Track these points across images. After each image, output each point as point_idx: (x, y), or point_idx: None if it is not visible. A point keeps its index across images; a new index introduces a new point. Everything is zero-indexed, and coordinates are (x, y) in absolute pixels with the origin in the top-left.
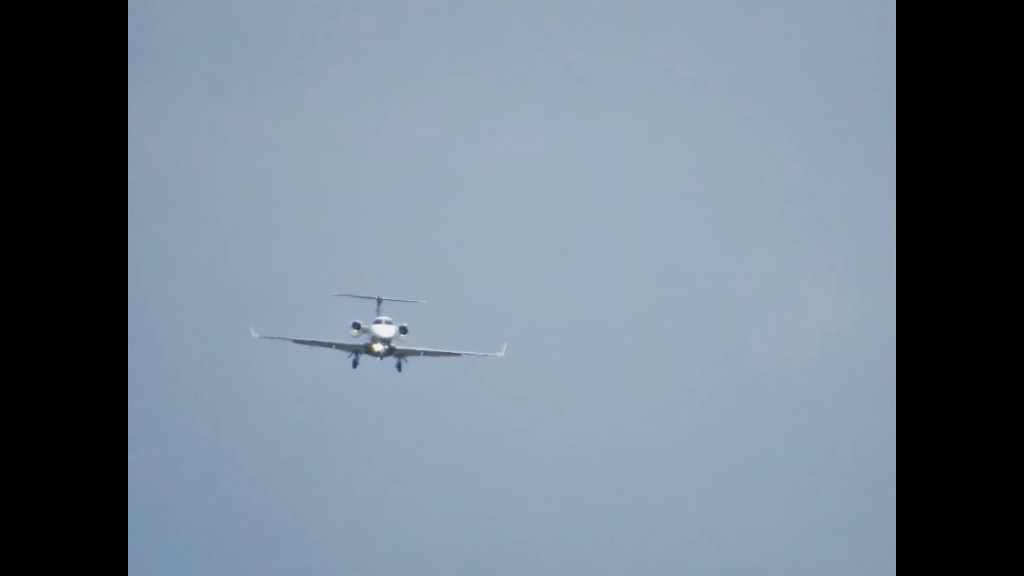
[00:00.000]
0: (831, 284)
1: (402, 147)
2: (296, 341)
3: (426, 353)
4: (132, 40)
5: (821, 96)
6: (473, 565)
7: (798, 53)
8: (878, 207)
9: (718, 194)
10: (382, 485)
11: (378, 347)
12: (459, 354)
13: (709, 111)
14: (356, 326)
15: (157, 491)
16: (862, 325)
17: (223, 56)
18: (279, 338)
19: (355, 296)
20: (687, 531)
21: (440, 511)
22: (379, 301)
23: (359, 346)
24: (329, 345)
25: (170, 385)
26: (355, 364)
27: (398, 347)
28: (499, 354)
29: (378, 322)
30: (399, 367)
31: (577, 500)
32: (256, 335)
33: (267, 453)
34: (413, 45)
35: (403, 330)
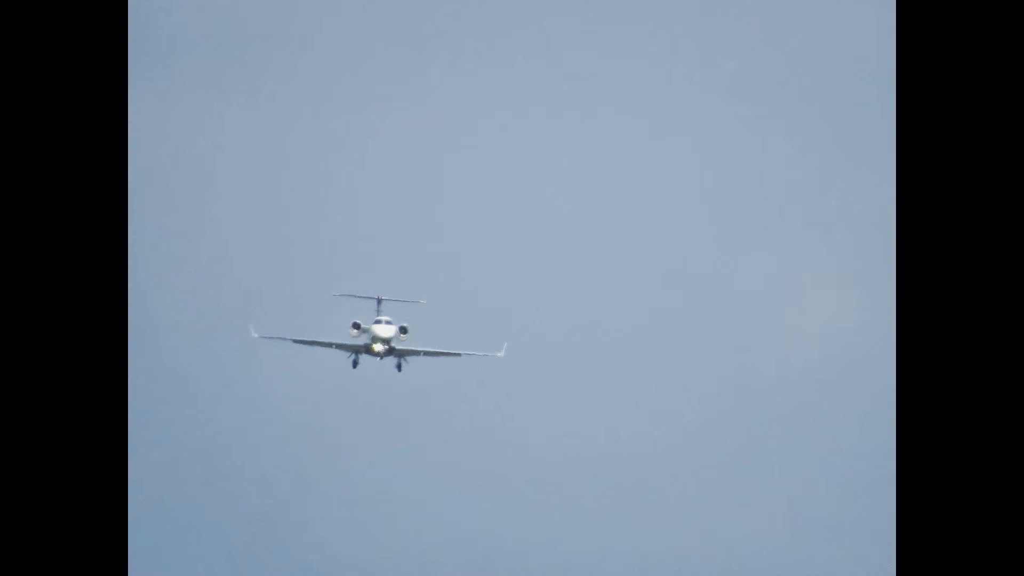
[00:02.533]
0: (831, 284)
1: (402, 147)
2: (296, 341)
3: (426, 353)
4: (132, 40)
5: (821, 96)
6: (473, 565)
7: (797, 53)
8: (878, 207)
9: (718, 194)
10: (382, 485)
11: (378, 347)
12: (459, 354)
13: (709, 111)
14: (356, 326)
15: (157, 491)
16: (862, 325)
17: (223, 56)
18: (279, 338)
19: (355, 296)
20: (687, 531)
21: (440, 511)
22: (379, 301)
23: (359, 346)
24: (329, 345)
25: (170, 385)
26: (355, 364)
27: (398, 347)
28: (499, 354)
29: (378, 322)
30: (399, 367)
31: (577, 500)
32: (256, 335)
33: (267, 453)
34: (413, 45)
35: (403, 330)
